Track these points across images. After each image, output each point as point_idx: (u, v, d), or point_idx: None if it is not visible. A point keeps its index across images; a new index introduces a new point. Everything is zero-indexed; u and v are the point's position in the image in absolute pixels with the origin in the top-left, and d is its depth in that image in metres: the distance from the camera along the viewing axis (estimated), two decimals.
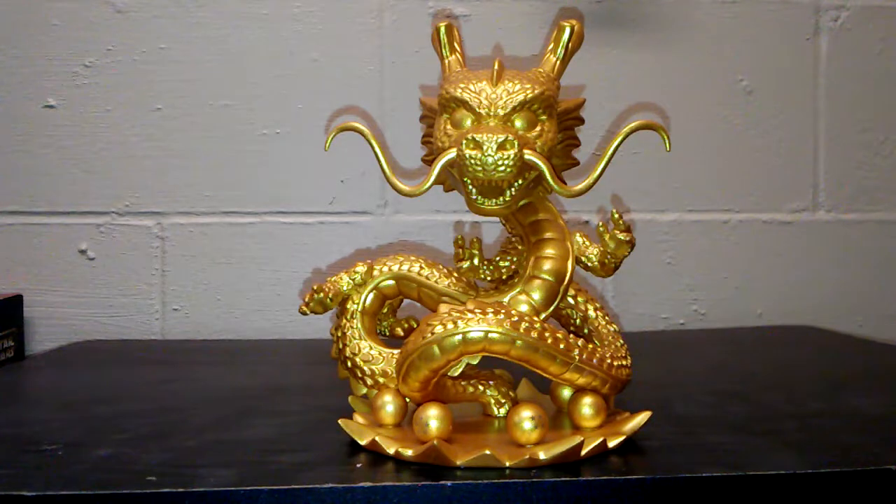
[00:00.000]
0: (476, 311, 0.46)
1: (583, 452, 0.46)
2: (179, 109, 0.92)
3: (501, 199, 0.48)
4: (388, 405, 0.51)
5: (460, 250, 0.56)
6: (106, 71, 0.92)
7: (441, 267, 0.54)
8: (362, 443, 0.48)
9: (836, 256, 1.01)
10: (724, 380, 0.69)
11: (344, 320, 0.54)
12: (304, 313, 0.53)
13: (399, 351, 0.49)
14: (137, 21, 0.92)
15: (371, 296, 0.54)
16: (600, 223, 0.52)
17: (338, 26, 0.94)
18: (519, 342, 0.46)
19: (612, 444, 0.47)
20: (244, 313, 0.94)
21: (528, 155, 0.47)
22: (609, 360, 0.50)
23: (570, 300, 0.56)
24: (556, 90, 0.50)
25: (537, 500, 0.42)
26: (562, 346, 0.47)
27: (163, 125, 0.92)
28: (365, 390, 0.54)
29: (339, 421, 0.50)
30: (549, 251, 0.51)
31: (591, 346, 0.49)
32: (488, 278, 0.56)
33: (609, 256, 0.52)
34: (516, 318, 0.46)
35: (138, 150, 0.92)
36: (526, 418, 0.46)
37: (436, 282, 0.53)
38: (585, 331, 0.56)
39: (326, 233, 0.94)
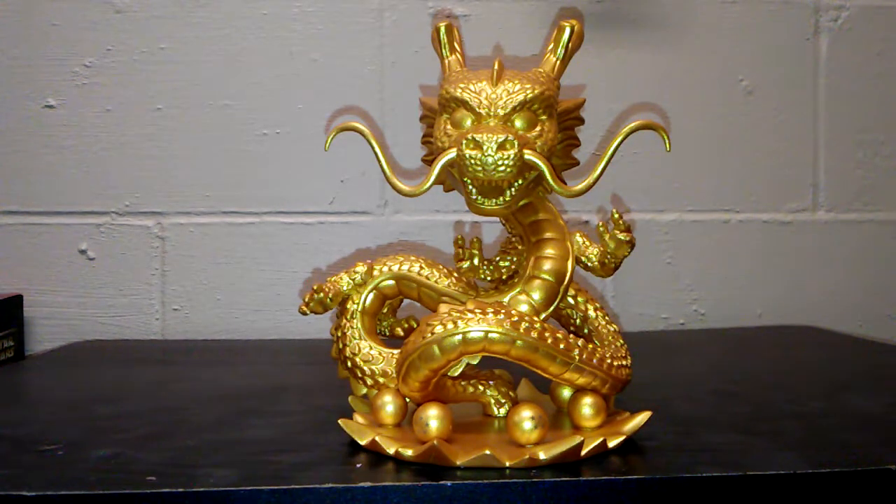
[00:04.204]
0: (476, 311, 0.46)
1: (583, 452, 0.46)
2: (179, 109, 0.92)
3: (501, 199, 0.48)
4: (388, 405, 0.51)
5: (460, 250, 0.56)
6: (106, 71, 0.92)
7: (441, 267, 0.54)
8: (362, 443, 0.48)
9: (836, 256, 1.01)
10: (724, 380, 0.69)
11: (344, 320, 0.54)
12: (304, 313, 0.53)
13: (399, 351, 0.49)
14: (137, 21, 0.92)
15: (371, 296, 0.55)
16: (600, 223, 0.52)
17: (338, 26, 0.94)
18: (519, 342, 0.46)
19: (612, 444, 0.47)
20: (244, 313, 0.94)
21: (528, 155, 0.47)
22: (609, 360, 0.50)
23: (570, 300, 0.56)
24: (556, 90, 0.50)
25: (537, 500, 0.42)
26: (562, 346, 0.47)
27: (163, 125, 0.92)
28: (365, 390, 0.54)
29: (339, 421, 0.50)
30: (549, 251, 0.51)
31: (591, 346, 0.49)
32: (488, 278, 0.56)
33: (609, 256, 0.52)
34: (516, 318, 0.46)
35: (138, 150, 0.92)
36: (526, 418, 0.46)
37: (436, 282, 0.53)
38: (585, 331, 0.56)
39: (326, 233, 0.94)
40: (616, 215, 0.51)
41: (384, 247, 0.94)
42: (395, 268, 0.54)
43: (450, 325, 0.45)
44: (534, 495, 0.42)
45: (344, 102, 0.94)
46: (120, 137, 0.92)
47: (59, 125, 0.92)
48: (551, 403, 0.56)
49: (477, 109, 0.48)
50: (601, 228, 0.52)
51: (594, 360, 0.48)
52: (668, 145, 0.49)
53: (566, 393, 0.54)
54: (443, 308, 0.47)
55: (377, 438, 0.47)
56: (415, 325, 0.57)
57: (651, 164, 0.96)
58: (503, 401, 0.53)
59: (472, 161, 0.46)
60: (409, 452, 0.46)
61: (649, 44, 0.97)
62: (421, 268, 0.54)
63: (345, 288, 0.54)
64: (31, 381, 0.75)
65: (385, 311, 0.57)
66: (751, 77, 0.99)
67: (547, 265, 0.50)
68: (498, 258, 0.56)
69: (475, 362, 0.47)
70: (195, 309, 0.93)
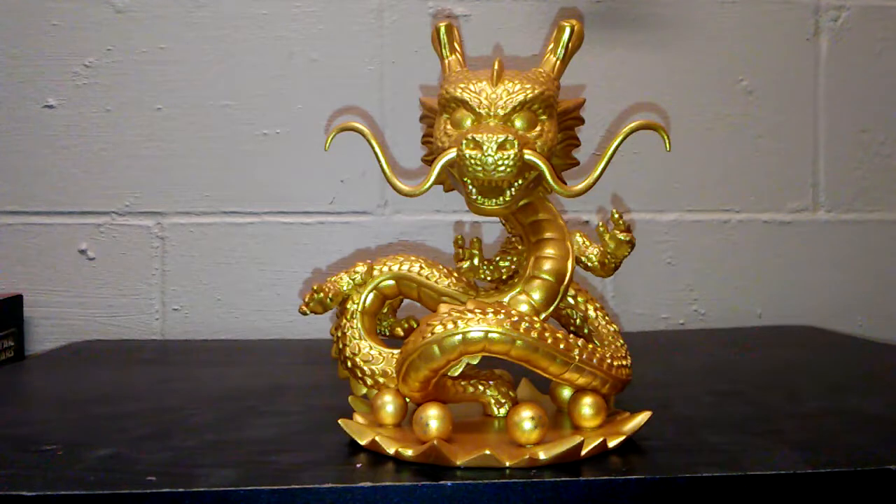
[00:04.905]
0: (476, 311, 0.46)
1: (583, 452, 0.46)
2: (179, 109, 0.92)
3: (501, 199, 0.48)
4: (388, 405, 0.51)
5: (460, 250, 0.56)
6: (106, 71, 0.92)
7: (441, 267, 0.54)
8: (362, 443, 0.48)
9: (836, 256, 1.01)
10: (724, 380, 0.69)
11: (344, 320, 0.54)
12: (303, 313, 0.53)
13: (399, 351, 0.49)
14: (137, 21, 0.92)
15: (371, 296, 0.55)
16: (600, 223, 0.52)
17: (338, 26, 0.94)
18: (519, 342, 0.46)
19: (612, 444, 0.47)
20: (244, 313, 0.94)
21: (528, 155, 0.47)
22: (609, 360, 0.50)
23: (570, 300, 0.56)
24: (556, 90, 0.50)
25: (537, 500, 0.42)
26: (562, 346, 0.47)
27: (163, 125, 0.92)
28: (365, 390, 0.54)
29: (339, 421, 0.50)
30: (549, 251, 0.51)
31: (591, 346, 0.49)
32: (488, 278, 0.56)
33: (609, 256, 0.52)
34: (516, 318, 0.46)
35: (138, 150, 0.92)
36: (526, 418, 0.46)
37: (436, 282, 0.53)
38: (585, 331, 0.56)
39: (326, 233, 0.94)
40: (616, 215, 0.51)
41: (384, 247, 0.94)
42: (395, 268, 0.54)
43: (450, 325, 0.45)
44: (534, 495, 0.42)
45: (344, 102, 0.94)
46: (120, 137, 0.92)
47: (59, 125, 0.92)
48: (551, 403, 0.56)
49: (477, 109, 0.48)
50: (601, 228, 0.52)
51: (594, 360, 0.48)
52: (668, 145, 0.49)
53: (566, 393, 0.54)
54: (443, 308, 0.47)
55: (377, 438, 0.47)
56: (415, 325, 0.57)
57: (651, 164, 0.96)
58: (503, 401, 0.53)
59: (472, 161, 0.46)
60: (409, 452, 0.46)
61: (649, 44, 0.97)
62: (421, 268, 0.54)
63: (345, 288, 0.54)
64: (31, 381, 0.75)
65: (385, 311, 0.57)
66: (751, 77, 0.99)
67: (547, 265, 0.50)
68: (498, 258, 0.56)
69: (475, 362, 0.47)
70: (195, 309, 0.93)
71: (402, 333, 0.57)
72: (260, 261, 0.94)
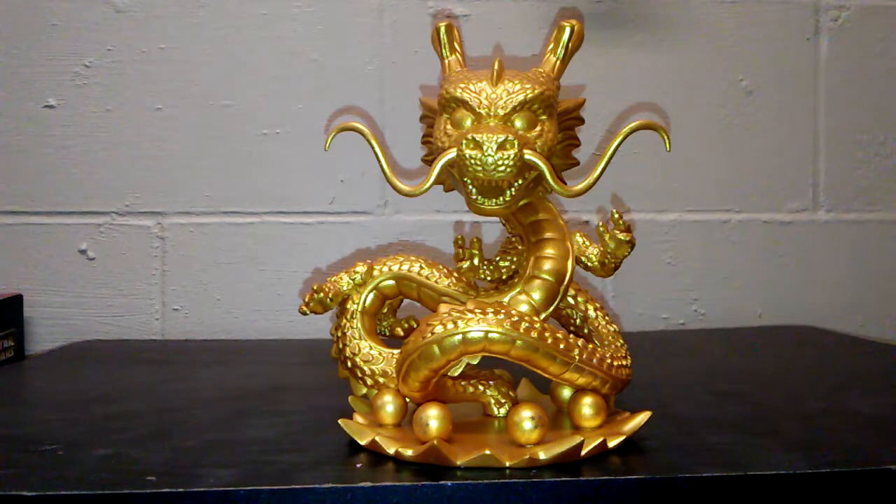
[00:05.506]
0: (476, 311, 0.46)
1: (583, 452, 0.46)
2: (179, 109, 0.92)
3: (501, 199, 0.48)
4: (388, 405, 0.51)
5: (460, 250, 0.56)
6: (106, 71, 0.92)
7: (441, 267, 0.54)
8: (362, 443, 0.48)
9: (836, 256, 1.01)
10: (724, 380, 0.69)
11: (344, 320, 0.54)
12: (304, 313, 0.53)
13: (399, 351, 0.49)
14: (137, 21, 0.92)
15: (371, 296, 0.55)
16: (600, 223, 0.52)
17: (338, 26, 0.94)
18: (519, 342, 0.46)
19: (612, 444, 0.47)
20: (244, 313, 0.94)
21: (528, 155, 0.47)
22: (609, 360, 0.50)
23: (570, 300, 0.56)
24: (556, 90, 0.50)
25: (537, 500, 0.42)
26: (562, 346, 0.47)
27: (163, 125, 0.92)
28: (365, 390, 0.54)
29: (339, 421, 0.50)
30: (549, 251, 0.51)
31: (591, 346, 0.49)
32: (488, 278, 0.56)
33: (609, 256, 0.52)
34: (516, 318, 0.46)
35: (138, 150, 0.92)
36: (526, 418, 0.46)
37: (436, 282, 0.53)
38: (585, 331, 0.56)
39: (326, 233, 0.94)
40: (616, 215, 0.51)
41: (384, 247, 0.94)
42: (395, 268, 0.54)
43: (450, 325, 0.45)
44: (534, 495, 0.42)
45: (344, 102, 0.94)
46: (120, 137, 0.92)
47: (59, 125, 0.92)
48: (551, 403, 0.56)
49: (477, 109, 0.48)
50: (601, 228, 0.52)
51: (594, 360, 0.48)
52: (668, 145, 0.49)
53: (566, 393, 0.54)
54: (443, 308, 0.47)
55: (377, 438, 0.47)
56: (415, 325, 0.57)
57: (651, 164, 0.96)
58: (503, 401, 0.53)
59: (472, 161, 0.46)
60: (409, 452, 0.46)
61: (649, 44, 0.97)
62: (421, 268, 0.54)
63: (345, 288, 0.54)
64: (31, 381, 0.75)
65: (385, 311, 0.57)
66: (751, 77, 0.99)
67: (547, 265, 0.50)
68: (498, 258, 0.56)
69: (475, 362, 0.47)
70: (195, 309, 0.93)
71: (402, 333, 0.57)
72: (260, 261, 0.94)
